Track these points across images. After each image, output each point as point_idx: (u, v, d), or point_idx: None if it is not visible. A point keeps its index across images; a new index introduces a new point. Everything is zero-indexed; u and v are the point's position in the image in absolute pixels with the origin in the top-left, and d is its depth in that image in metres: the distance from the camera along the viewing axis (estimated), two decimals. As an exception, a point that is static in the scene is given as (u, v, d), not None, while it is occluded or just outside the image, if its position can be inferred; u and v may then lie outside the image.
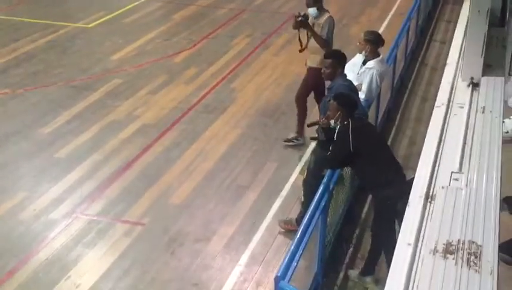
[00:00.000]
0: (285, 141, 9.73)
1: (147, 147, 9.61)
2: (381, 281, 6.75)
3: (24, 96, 11.33)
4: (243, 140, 9.87)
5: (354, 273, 7.01)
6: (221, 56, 13.38)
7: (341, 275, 7.07)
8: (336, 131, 6.44)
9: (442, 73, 12.50)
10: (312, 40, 9.16)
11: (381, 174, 6.39)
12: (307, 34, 9.19)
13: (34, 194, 8.38)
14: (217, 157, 9.36)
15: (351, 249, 7.49)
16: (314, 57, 9.21)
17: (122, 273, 6.97)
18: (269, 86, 11.95)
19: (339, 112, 6.36)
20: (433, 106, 10.95)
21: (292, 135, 9.73)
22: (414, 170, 7.31)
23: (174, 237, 7.57)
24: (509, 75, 5.87)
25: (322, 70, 7.43)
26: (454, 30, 14.74)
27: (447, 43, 14.34)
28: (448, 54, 13.55)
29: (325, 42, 9.02)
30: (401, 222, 6.71)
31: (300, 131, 9.67)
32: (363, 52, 8.14)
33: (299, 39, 9.31)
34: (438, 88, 11.80)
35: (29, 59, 13.09)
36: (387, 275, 6.46)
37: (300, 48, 9.36)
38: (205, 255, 7.28)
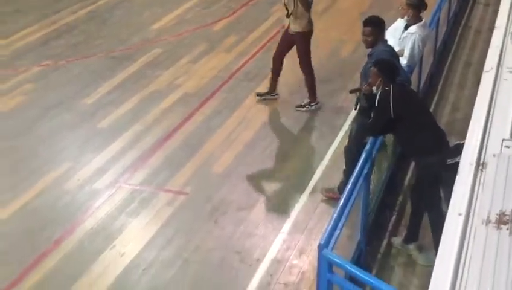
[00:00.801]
0: (297, 107, 9.78)
1: (188, 116, 9.63)
2: (424, 248, 6.72)
3: (65, 67, 11.41)
4: (284, 107, 9.84)
5: (397, 240, 6.97)
6: (261, 23, 13.26)
7: (384, 242, 7.04)
8: (377, 97, 6.37)
9: (487, 36, 12.27)
10: (295, 6, 9.29)
11: (424, 141, 6.31)
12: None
13: (77, 164, 8.47)
14: (258, 125, 9.34)
15: (394, 216, 7.45)
16: (300, 22, 9.39)
17: (165, 242, 7.04)
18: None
19: (379, 78, 6.29)
20: (477, 70, 10.79)
21: (305, 100, 9.78)
22: (458, 136, 7.25)
23: (216, 206, 7.60)
24: None
25: (363, 40, 7.29)
26: (499, -8, 14.46)
27: (491, 5, 14.04)
28: (492, 17, 13.30)
29: (310, 5, 9.38)
30: (447, 190, 6.67)
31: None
32: (405, 17, 8.00)
33: (285, 4, 9.42)
34: (482, 52, 11.63)
35: (70, 30, 13.16)
36: (431, 242, 6.44)
37: (286, 13, 9.44)
38: (248, 223, 7.30)
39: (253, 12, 14.09)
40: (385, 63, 6.52)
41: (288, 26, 9.54)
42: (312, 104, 9.72)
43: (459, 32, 12.93)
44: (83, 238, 7.11)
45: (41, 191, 7.92)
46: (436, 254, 6.44)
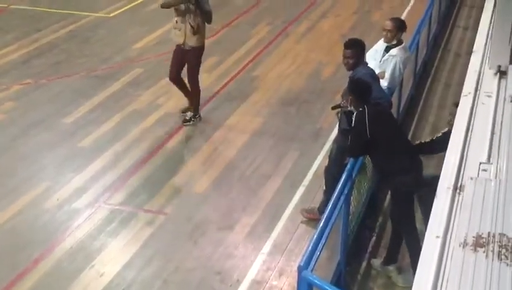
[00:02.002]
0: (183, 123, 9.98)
1: (168, 136, 9.63)
2: (404, 270, 6.74)
3: (47, 86, 11.39)
4: (264, 129, 9.86)
5: (376, 262, 6.99)
6: (242, 44, 13.34)
7: (364, 264, 7.05)
8: (353, 118, 6.42)
9: (466, 60, 12.40)
10: (197, 20, 9.50)
11: (396, 161, 6.35)
12: (195, 13, 9.50)
13: (57, 184, 8.43)
14: (239, 146, 9.35)
15: (374, 237, 7.47)
16: (198, 37, 9.59)
17: (145, 262, 7.01)
18: (291, 74, 11.91)
19: (350, 98, 6.38)
20: (457, 91, 10.90)
21: (189, 114, 10.01)
22: (437, 157, 7.29)
23: (196, 226, 7.59)
24: None
25: (344, 62, 7.32)
26: (477, 16, 14.64)
27: (469, 28, 14.23)
28: (471, 40, 13.47)
29: (211, 18, 9.68)
30: (425, 211, 6.71)
31: (195, 108, 10.02)
32: (386, 37, 8.06)
33: (190, 24, 9.52)
34: (461, 74, 11.72)
35: (51, 49, 13.14)
36: (410, 264, 6.46)
37: (193, 30, 9.54)
38: (228, 244, 7.29)
39: (234, 33, 14.16)
40: (356, 83, 6.59)
41: (184, 42, 9.63)
42: (196, 116, 9.95)
43: (438, 54, 13.06)
44: (62, 258, 7.06)
45: (20, 210, 7.86)
46: (414, 275, 6.48)
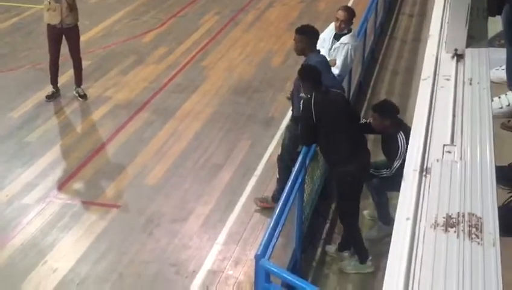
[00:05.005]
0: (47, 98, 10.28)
1: (119, 128, 9.52)
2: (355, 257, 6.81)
3: (-9, 80, 11.14)
4: (215, 119, 9.82)
5: (331, 248, 7.04)
6: (191, 34, 13.26)
7: (319, 250, 7.10)
8: (301, 105, 6.45)
9: (412, 46, 12.58)
10: None
11: (341, 149, 6.35)
12: None
13: (5, 179, 8.26)
14: (190, 136, 9.30)
15: (328, 224, 7.52)
16: (74, 14, 9.94)
17: (99, 256, 6.93)
18: (240, 63, 11.89)
19: (300, 84, 6.49)
20: (404, 79, 11.04)
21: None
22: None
23: (150, 218, 7.53)
24: (497, 46, 5.90)
25: (294, 47, 7.37)
26: (423, 2, 14.85)
27: (415, 15, 14.42)
28: (417, 27, 13.64)
29: None
30: (379, 194, 6.78)
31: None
32: (339, 28, 8.09)
33: (67, 1, 9.77)
34: (409, 61, 11.92)
35: (-5, 42, 12.86)
36: (354, 252, 6.52)
37: (70, 7, 9.84)
38: (183, 235, 7.26)
39: (182, 23, 14.07)
40: (305, 70, 6.61)
41: (61, 21, 9.84)
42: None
43: (385, 42, 13.20)
44: (13, 255, 6.92)
45: (-32, 208, 7.70)
46: (359, 260, 6.57)
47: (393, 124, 6.51)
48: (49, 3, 9.72)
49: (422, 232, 2.77)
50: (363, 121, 7.02)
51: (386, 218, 6.88)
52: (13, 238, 7.18)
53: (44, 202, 7.82)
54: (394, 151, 6.45)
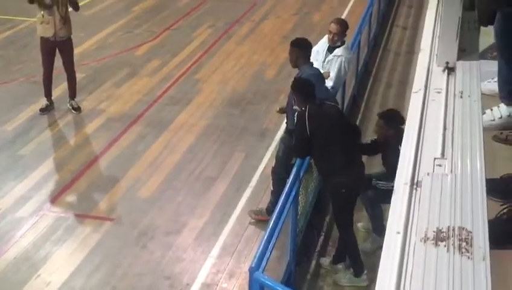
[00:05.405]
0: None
1: (112, 141, 9.50)
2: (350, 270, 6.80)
3: (-16, 93, 11.12)
4: (209, 131, 9.82)
5: (326, 261, 7.03)
6: (184, 47, 13.27)
7: (313, 263, 7.08)
8: (295, 118, 6.46)
9: (406, 59, 12.61)
10: (65, 9, 9.83)
11: (335, 160, 6.34)
12: (63, 2, 9.79)
13: (-2, 192, 8.24)
14: (184, 149, 9.29)
15: (322, 237, 7.51)
16: (67, 27, 9.94)
17: (93, 269, 6.90)
18: (234, 75, 11.90)
19: (294, 97, 6.51)
20: (398, 91, 11.06)
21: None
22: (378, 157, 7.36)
23: (144, 231, 7.51)
24: (489, 58, 5.91)
25: (290, 59, 7.38)
26: (416, 15, 14.90)
27: (408, 28, 14.46)
28: (410, 40, 13.68)
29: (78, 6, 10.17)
30: (373, 207, 6.78)
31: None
32: (332, 40, 8.10)
33: (60, 14, 9.79)
34: (402, 74, 11.94)
35: (-12, 55, 12.85)
36: (351, 265, 6.51)
37: (63, 20, 9.86)
38: (177, 247, 7.24)
39: (175, 36, 14.08)
40: (300, 83, 6.63)
41: (54, 34, 9.86)
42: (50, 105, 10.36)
43: (379, 54, 13.23)
44: (6, 269, 6.89)
45: (-39, 221, 7.66)
46: (354, 273, 6.56)
47: (397, 134, 6.51)
48: (43, 16, 9.72)
49: (413, 246, 2.77)
50: (364, 140, 7.06)
51: (380, 230, 6.87)
52: (6, 252, 7.15)
53: (38, 215, 7.79)
54: (395, 162, 6.45)
